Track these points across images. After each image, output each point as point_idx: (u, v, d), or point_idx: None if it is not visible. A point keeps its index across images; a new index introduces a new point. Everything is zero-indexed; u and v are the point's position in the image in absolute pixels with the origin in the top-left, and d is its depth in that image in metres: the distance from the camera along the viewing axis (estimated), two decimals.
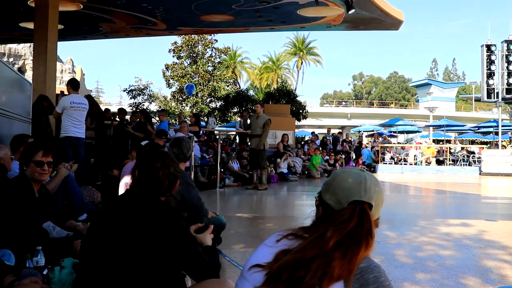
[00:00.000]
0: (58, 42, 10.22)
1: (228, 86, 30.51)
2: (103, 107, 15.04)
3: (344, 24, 14.56)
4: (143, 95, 26.23)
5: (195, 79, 28.52)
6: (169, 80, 29.66)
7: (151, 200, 2.07)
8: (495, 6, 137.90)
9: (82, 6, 11.67)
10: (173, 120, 24.00)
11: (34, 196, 3.11)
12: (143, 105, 25.67)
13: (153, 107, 28.57)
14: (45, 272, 2.39)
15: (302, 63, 48.59)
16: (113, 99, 56.90)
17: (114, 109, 17.16)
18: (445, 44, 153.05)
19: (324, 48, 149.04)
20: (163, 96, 33.07)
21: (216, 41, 29.59)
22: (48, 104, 7.88)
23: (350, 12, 11.67)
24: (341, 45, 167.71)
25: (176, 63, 29.68)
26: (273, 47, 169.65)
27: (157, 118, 14.60)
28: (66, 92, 8.76)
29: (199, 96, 27.71)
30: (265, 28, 16.11)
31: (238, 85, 36.59)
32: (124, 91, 26.25)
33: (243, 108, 20.38)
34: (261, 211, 7.63)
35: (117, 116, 12.06)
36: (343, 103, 69.11)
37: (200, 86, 27.68)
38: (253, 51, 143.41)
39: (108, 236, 1.94)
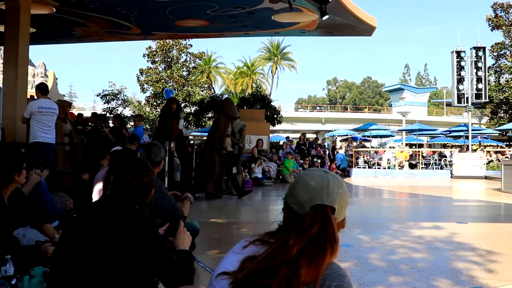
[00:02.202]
0: (30, 46, 10.01)
1: (202, 91, 30.47)
2: (76, 112, 14.82)
3: (318, 30, 14.69)
4: (117, 100, 25.98)
5: (169, 84, 28.41)
6: (143, 85, 29.47)
7: (125, 208, 2.05)
8: (465, 13, 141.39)
9: (55, 10, 11.47)
10: (147, 125, 23.83)
11: (3, 204, 3.04)
12: (117, 110, 25.40)
13: (127, 112, 28.31)
14: (13, 282, 2.34)
15: (276, 68, 48.93)
16: (87, 104, 56.03)
17: (87, 114, 16.93)
18: (417, 50, 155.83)
19: (298, 53, 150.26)
20: (138, 101, 32.83)
21: (191, 46, 29.57)
22: None
23: (324, 18, 11.75)
24: (316, 50, 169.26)
25: (151, 67, 29.52)
26: (248, 52, 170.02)
27: (132, 123, 14.48)
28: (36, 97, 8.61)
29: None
30: (240, 33, 16.13)
31: (213, 90, 36.55)
32: (98, 95, 25.96)
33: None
34: (236, 216, 7.62)
35: (90, 121, 11.89)
36: (318, 107, 69.69)
37: (175, 91, 27.55)
38: (228, 56, 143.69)
39: (81, 244, 1.92)
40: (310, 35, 16.10)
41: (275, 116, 21.29)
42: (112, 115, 17.22)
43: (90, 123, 11.58)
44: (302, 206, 1.37)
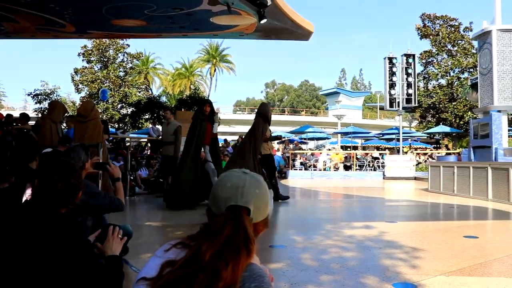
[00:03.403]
0: None
1: (140, 92, 29.91)
2: (4, 112, 14.08)
3: (257, 33, 14.83)
4: (50, 100, 24.92)
5: (106, 84, 27.67)
6: (78, 85, 28.52)
7: (50, 213, 1.99)
8: (398, 22, 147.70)
9: None
10: None
11: None
12: None
13: None
14: None
15: (215, 70, 48.93)
16: (17, 104, 53.41)
17: (17, 114, 16.11)
18: (353, 55, 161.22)
19: (237, 55, 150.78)
20: (72, 102, 31.72)
21: (128, 46, 28.99)
22: None
23: (262, 22, 11.91)
24: (254, 53, 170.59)
25: (86, 67, 28.62)
26: (186, 54, 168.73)
27: (64, 125, 13.98)
28: None
29: (109, 102, 26.88)
30: (178, 34, 15.97)
31: (150, 91, 35.95)
32: (29, 95, 24.77)
33: (155, 115, 20.05)
34: (171, 219, 7.54)
35: (18, 123, 11.35)
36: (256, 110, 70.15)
37: (111, 92, 26.85)
38: (166, 57, 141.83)
39: (4, 251, 1.84)
40: (248, 38, 16.22)
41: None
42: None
43: (15, 124, 11.05)
44: (219, 207, 1.38)
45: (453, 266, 4.27)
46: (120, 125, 24.98)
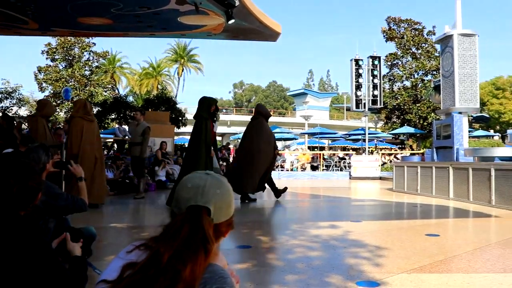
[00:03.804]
0: None
1: (106, 91, 29.43)
2: None
3: (224, 34, 14.82)
4: (11, 98, 24.28)
5: (70, 83, 27.13)
6: (41, 84, 27.87)
7: (8, 215, 1.94)
8: (364, 24, 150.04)
9: None
10: None
11: None
12: (11, 109, 23.73)
13: (23, 112, 26.56)
14: None
15: (183, 70, 48.55)
16: None
17: None
18: (320, 56, 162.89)
19: (205, 56, 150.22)
20: (35, 101, 30.92)
21: (94, 44, 28.49)
22: None
23: (230, 22, 11.90)
24: (222, 53, 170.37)
25: (50, 65, 27.99)
26: (154, 53, 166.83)
27: (26, 125, 13.62)
28: None
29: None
30: (145, 34, 15.79)
31: (116, 91, 35.42)
32: None
33: (121, 115, 19.79)
34: (137, 220, 7.46)
35: None
36: (224, 110, 70.15)
37: (76, 91, 26.35)
38: (133, 56, 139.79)
39: None
40: (216, 38, 16.19)
41: (181, 118, 21.14)
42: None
43: None
44: (180, 208, 1.37)
45: (415, 263, 4.38)
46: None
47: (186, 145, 22.53)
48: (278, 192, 10.76)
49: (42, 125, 8.38)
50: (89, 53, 28.67)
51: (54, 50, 27.57)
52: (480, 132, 31.21)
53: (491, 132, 36.46)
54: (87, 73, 28.37)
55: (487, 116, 36.85)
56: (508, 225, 7.19)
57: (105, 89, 29.49)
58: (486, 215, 8.21)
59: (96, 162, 8.34)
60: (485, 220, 7.77)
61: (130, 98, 31.70)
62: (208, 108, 9.16)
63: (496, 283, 3.79)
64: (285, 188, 11.00)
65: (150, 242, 1.34)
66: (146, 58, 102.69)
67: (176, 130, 20.23)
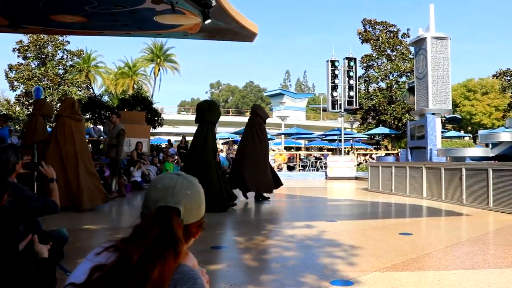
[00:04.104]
0: None
1: (80, 91, 28.96)
2: None
3: (201, 33, 14.75)
4: None
5: (43, 82, 26.64)
6: (13, 82, 27.27)
7: None
8: (340, 25, 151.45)
9: None
10: (17, 126, 22.07)
11: None
12: None
13: None
14: None
15: (159, 70, 48.15)
16: None
17: None
18: (297, 57, 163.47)
19: (182, 55, 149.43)
20: (6, 100, 30.31)
21: (68, 42, 28.05)
22: None
23: (206, 22, 11.87)
24: (199, 53, 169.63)
25: (22, 63, 27.41)
26: (130, 53, 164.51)
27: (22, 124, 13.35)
28: None
29: (48, 101, 25.88)
30: (121, 33, 15.60)
31: (91, 90, 34.93)
32: None
33: (96, 115, 19.51)
34: (111, 222, 7.37)
35: None
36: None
37: (49, 90, 25.88)
38: (109, 55, 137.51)
39: None
40: (193, 38, 16.11)
41: (157, 118, 20.99)
42: None
43: None
44: (150, 209, 1.37)
45: (388, 262, 4.45)
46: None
47: (163, 146, 22.32)
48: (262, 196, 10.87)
49: (41, 124, 8.50)
50: (63, 52, 28.19)
51: (26, 48, 27.02)
52: (453, 133, 31.87)
53: (462, 133, 37.21)
54: (61, 72, 27.88)
55: (460, 117, 37.61)
56: (478, 223, 7.37)
57: (79, 89, 29.00)
58: (458, 214, 8.38)
59: (81, 162, 8.16)
60: (457, 219, 7.94)
61: (105, 98, 31.30)
62: (218, 116, 9.47)
63: (465, 279, 3.88)
64: (267, 197, 10.99)
65: (119, 244, 1.33)
66: (122, 57, 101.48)
67: (152, 130, 20.08)
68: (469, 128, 45.22)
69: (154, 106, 22.68)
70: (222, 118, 56.64)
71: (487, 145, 12.15)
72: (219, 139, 33.32)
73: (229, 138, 30.83)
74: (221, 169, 9.18)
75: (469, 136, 34.58)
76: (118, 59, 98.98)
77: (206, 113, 9.10)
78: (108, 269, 1.25)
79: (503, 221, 7.35)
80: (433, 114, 13.23)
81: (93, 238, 6.04)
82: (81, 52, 30.34)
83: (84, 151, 8.31)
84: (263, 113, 11.07)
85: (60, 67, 28.06)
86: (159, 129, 23.23)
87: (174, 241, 1.29)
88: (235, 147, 24.04)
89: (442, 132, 22.67)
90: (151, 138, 21.93)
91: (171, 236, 1.29)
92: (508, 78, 27.50)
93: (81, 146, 8.21)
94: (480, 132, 24.90)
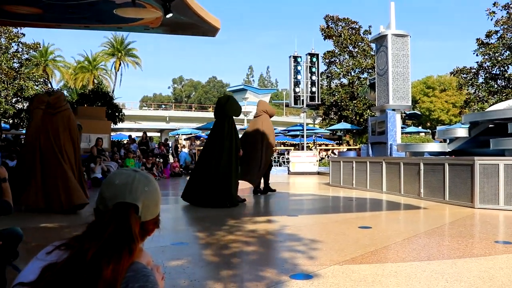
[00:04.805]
0: None
1: (37, 85, 28.02)
2: None
3: (162, 28, 14.54)
4: None
5: None
6: None
7: None
8: (303, 21, 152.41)
9: None
10: None
11: None
12: None
13: None
14: None
15: (120, 64, 47.31)
16: None
17: None
18: (260, 53, 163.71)
19: (144, 50, 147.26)
20: None
21: (24, 35, 27.05)
22: None
23: (167, 16, 11.71)
24: (162, 48, 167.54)
25: None
26: (90, 47, 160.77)
27: None
28: None
29: (2, 95, 24.98)
30: (79, 25, 15.19)
31: (49, 85, 33.92)
32: None
33: None
34: (69, 220, 7.17)
35: None
36: (163, 106, 69.19)
37: (3, 85, 24.95)
38: (67, 49, 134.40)
39: None
40: (154, 32, 15.86)
41: (117, 114, 20.60)
42: None
43: None
44: (106, 205, 1.34)
45: (347, 255, 4.50)
46: (16, 120, 23.28)
47: (124, 142, 21.88)
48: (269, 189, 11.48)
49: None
50: (18, 44, 27.21)
51: None
52: (412, 129, 32.65)
53: (421, 128, 38.19)
54: (16, 65, 26.90)
55: (419, 113, 38.53)
56: (434, 216, 7.57)
57: (36, 83, 27.99)
58: (416, 207, 8.59)
59: (63, 157, 7.86)
60: (415, 212, 8.13)
61: (65, 93, 30.45)
62: (238, 110, 9.62)
63: (420, 270, 3.97)
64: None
65: (72, 242, 1.30)
66: (81, 51, 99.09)
67: (113, 126, 19.70)
68: (428, 124, 46.50)
69: (115, 101, 22.26)
70: (185, 114, 56.35)
71: (444, 141, 12.51)
72: (182, 134, 33.04)
73: (191, 134, 30.57)
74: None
75: (428, 132, 35.51)
76: (77, 53, 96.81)
77: (227, 107, 9.27)
78: (61, 266, 1.21)
79: (458, 214, 7.58)
80: (394, 110, 13.51)
81: (50, 236, 5.84)
82: (38, 45, 29.31)
83: (64, 145, 8.07)
84: (271, 109, 11.92)
85: (15, 61, 27.02)
86: (120, 125, 22.81)
87: (131, 238, 1.27)
88: (198, 142, 23.92)
89: (402, 127, 23.20)
90: (112, 134, 21.53)
91: (128, 234, 1.28)
92: (465, 75, 28.29)
93: (57, 140, 7.96)
94: (438, 128, 25.60)
